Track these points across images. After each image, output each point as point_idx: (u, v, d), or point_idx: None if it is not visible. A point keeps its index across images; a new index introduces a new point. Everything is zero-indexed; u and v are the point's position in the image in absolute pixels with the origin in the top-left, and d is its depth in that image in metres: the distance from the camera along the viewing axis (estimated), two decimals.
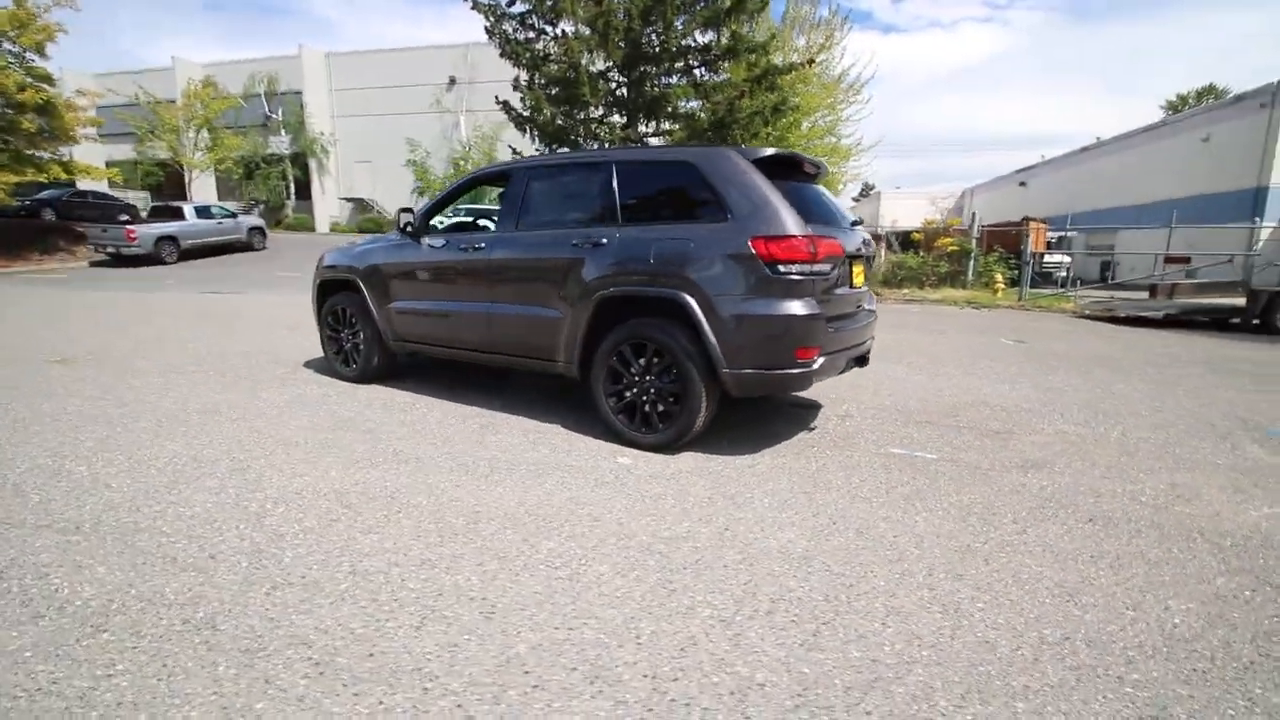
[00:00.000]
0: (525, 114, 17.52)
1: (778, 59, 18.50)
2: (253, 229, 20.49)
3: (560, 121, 16.90)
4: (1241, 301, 10.14)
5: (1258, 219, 17.61)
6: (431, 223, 4.65)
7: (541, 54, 17.00)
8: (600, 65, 16.81)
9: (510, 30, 17.05)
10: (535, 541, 2.46)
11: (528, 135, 17.76)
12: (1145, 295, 12.47)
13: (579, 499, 2.88)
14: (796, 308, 3.14)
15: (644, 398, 3.51)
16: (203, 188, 29.16)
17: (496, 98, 17.72)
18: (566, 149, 17.92)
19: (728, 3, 15.90)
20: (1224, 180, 19.05)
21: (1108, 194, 24.90)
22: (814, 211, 3.43)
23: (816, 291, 3.22)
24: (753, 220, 3.16)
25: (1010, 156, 57.57)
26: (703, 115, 15.65)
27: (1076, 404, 4.92)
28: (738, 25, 16.74)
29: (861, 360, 3.83)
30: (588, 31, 15.08)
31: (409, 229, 4.44)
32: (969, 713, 1.62)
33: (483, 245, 4.06)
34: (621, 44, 15.61)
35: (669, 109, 17.71)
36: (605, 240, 3.53)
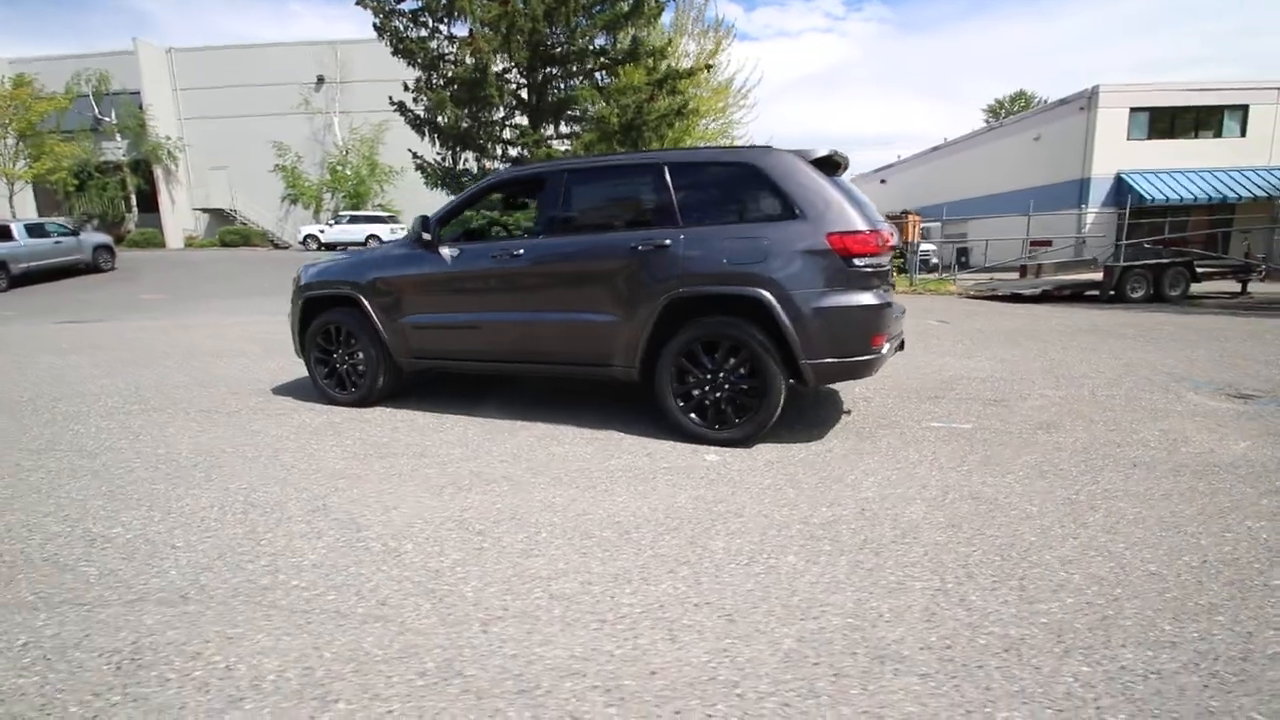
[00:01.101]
0: (423, 115, 16.74)
1: (675, 64, 19.04)
2: (99, 248, 17.79)
3: (465, 124, 16.31)
4: (1098, 276, 11.95)
5: (1084, 205, 20.74)
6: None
7: (437, 53, 16.30)
8: (501, 66, 16.40)
9: (402, 27, 16.19)
10: (702, 542, 2.45)
11: (426, 137, 16.98)
12: (1016, 275, 14.30)
13: (702, 497, 2.88)
14: (869, 298, 3.34)
15: (717, 394, 3.55)
16: (19, 203, 24.81)
17: (390, 99, 16.78)
18: (471, 152, 17.33)
19: (626, 7, 16.15)
20: (1056, 173, 22.25)
21: (959, 187, 28.16)
22: (856, 204, 3.65)
23: (882, 282, 3.44)
24: (827, 217, 3.31)
25: (862, 155, 62.97)
26: (614, 118, 15.76)
27: (1036, 371, 5.60)
28: (637, 29, 17.05)
29: (901, 344, 4.12)
30: (488, 31, 14.66)
31: (425, 239, 4.15)
32: (1193, 630, 1.86)
33: (521, 252, 3.89)
34: (525, 45, 15.35)
35: (574, 111, 17.68)
36: (669, 242, 3.53)
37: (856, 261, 3.28)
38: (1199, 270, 11.77)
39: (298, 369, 6.11)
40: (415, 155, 16.81)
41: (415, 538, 2.50)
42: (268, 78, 27.86)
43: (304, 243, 25.56)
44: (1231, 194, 20.28)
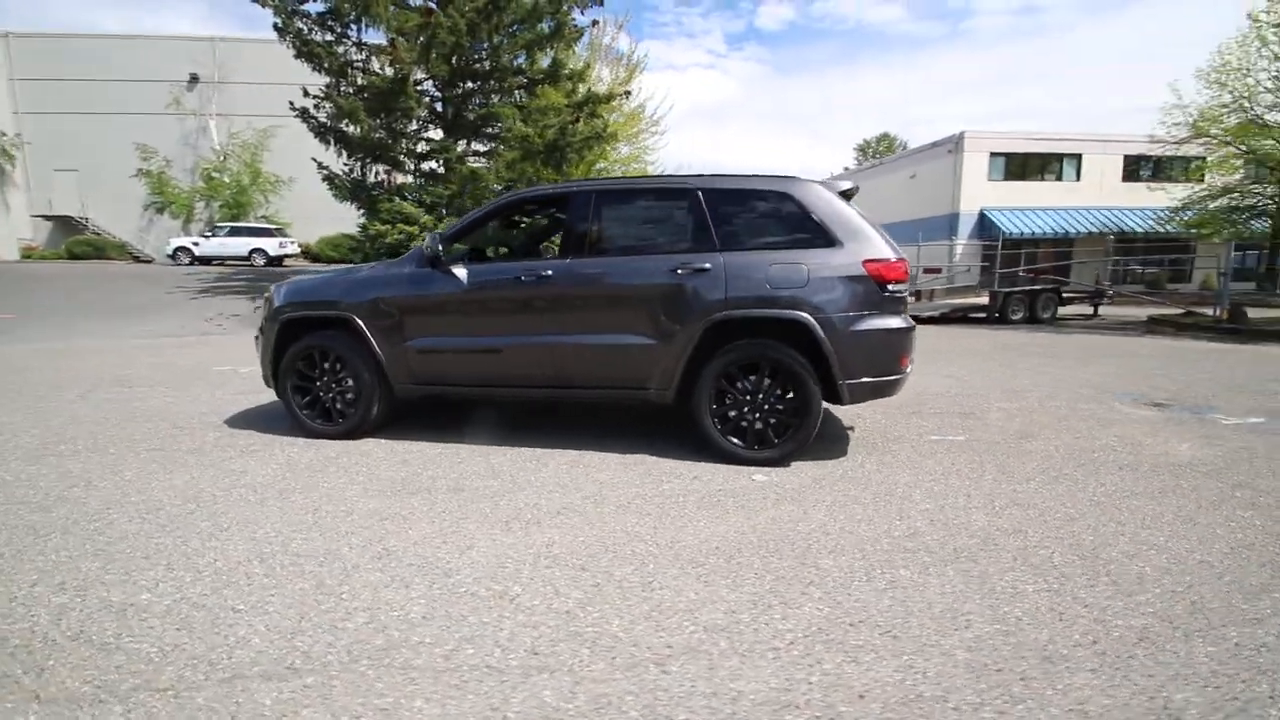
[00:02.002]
0: (328, 123, 15.75)
1: (591, 88, 19.27)
2: None
3: (378, 135, 15.53)
4: (984, 300, 13.43)
5: (954, 236, 23.24)
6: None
7: (345, 59, 15.45)
8: (417, 77, 15.82)
9: (305, 29, 15.21)
10: (812, 561, 2.48)
11: (331, 147, 15.97)
12: (913, 300, 15.75)
13: (779, 518, 2.91)
14: (900, 321, 3.57)
15: (755, 415, 3.62)
16: None
17: (291, 104, 15.66)
18: (385, 165, 16.50)
19: (547, 29, 16.21)
20: (931, 207, 24.80)
21: None
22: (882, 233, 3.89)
23: (906, 306, 3.69)
24: (862, 245, 3.51)
25: None
26: (538, 138, 15.66)
27: (984, 387, 6.19)
28: (557, 52, 17.13)
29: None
30: (407, 41, 14.13)
31: (434, 258, 3.90)
32: (1265, 606, 2.14)
33: (549, 273, 3.77)
34: (445, 59, 14.94)
35: (492, 130, 17.37)
36: (709, 266, 3.58)
37: (890, 287, 3.50)
38: (1065, 295, 13.58)
39: (240, 398, 5.49)
40: (321, 165, 15.73)
41: (517, 579, 2.33)
42: (130, 72, 24.98)
43: (173, 256, 22.96)
44: (1071, 229, 23.62)
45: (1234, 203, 18.28)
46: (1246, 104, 17.31)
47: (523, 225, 5.02)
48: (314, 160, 15.87)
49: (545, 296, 3.77)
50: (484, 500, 3.12)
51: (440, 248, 3.85)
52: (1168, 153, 19.14)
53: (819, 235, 3.56)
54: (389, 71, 14.67)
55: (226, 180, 25.53)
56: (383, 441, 4.15)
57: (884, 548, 2.60)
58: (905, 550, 2.58)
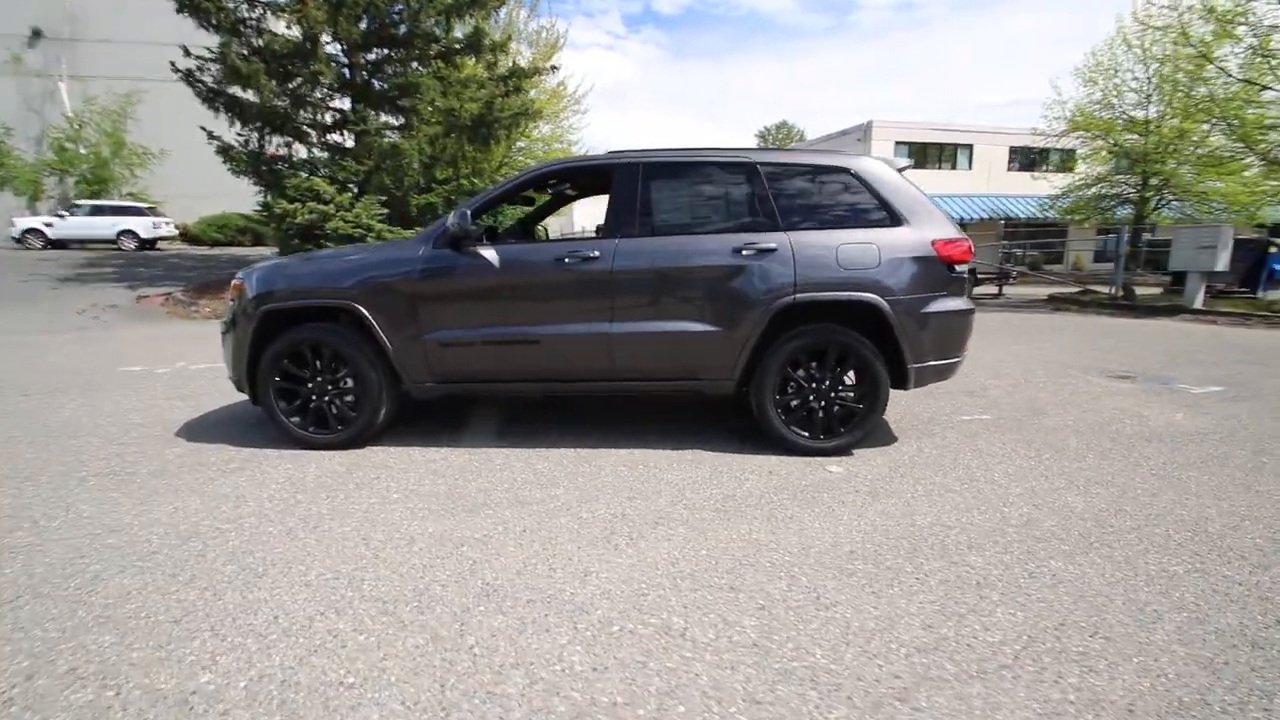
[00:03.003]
0: (217, 88, 13.95)
1: (513, 62, 18.32)
2: None
3: (280, 102, 13.94)
4: None
5: None
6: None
7: (238, 16, 13.69)
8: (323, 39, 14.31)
9: None
10: (959, 558, 2.33)
11: (221, 114, 14.17)
12: None
13: (888, 512, 2.75)
14: (964, 303, 3.50)
15: (821, 404, 3.45)
16: None
17: (174, 65, 13.70)
18: (286, 137, 14.85)
19: None
20: None
21: None
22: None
23: (968, 287, 3.63)
24: (929, 225, 3.40)
25: None
26: (464, 111, 14.66)
27: (976, 365, 6.40)
28: (478, 20, 16.10)
29: None
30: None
31: (460, 236, 3.39)
32: None
33: (596, 254, 3.37)
34: (361, 22, 13.60)
35: (409, 102, 16.12)
36: (775, 246, 3.34)
37: (957, 268, 3.43)
38: (979, 276, 14.56)
39: (177, 404, 4.66)
40: (212, 135, 13.89)
41: (669, 608, 2.01)
42: None
43: (21, 239, 19.66)
44: (967, 215, 25.49)
45: (1103, 191, 20.43)
46: (1115, 101, 19.29)
47: (559, 195, 4.50)
48: (203, 129, 13.96)
49: (592, 280, 3.38)
50: (560, 514, 2.73)
51: (472, 225, 3.34)
52: (1049, 144, 21.03)
53: (885, 214, 3.41)
54: (292, 31, 13.13)
55: (83, 152, 22.08)
56: (392, 450, 3.61)
57: (1016, 539, 2.51)
58: (1037, 539, 2.50)
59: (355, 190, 14.58)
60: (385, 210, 14.03)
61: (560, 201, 4.76)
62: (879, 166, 3.49)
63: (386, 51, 15.05)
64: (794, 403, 3.47)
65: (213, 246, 24.69)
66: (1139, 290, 13.95)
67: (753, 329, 3.34)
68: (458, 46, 15.48)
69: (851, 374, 3.45)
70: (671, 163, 3.52)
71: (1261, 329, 9.60)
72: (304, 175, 14.23)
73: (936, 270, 3.38)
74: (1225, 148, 16.23)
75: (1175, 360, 6.67)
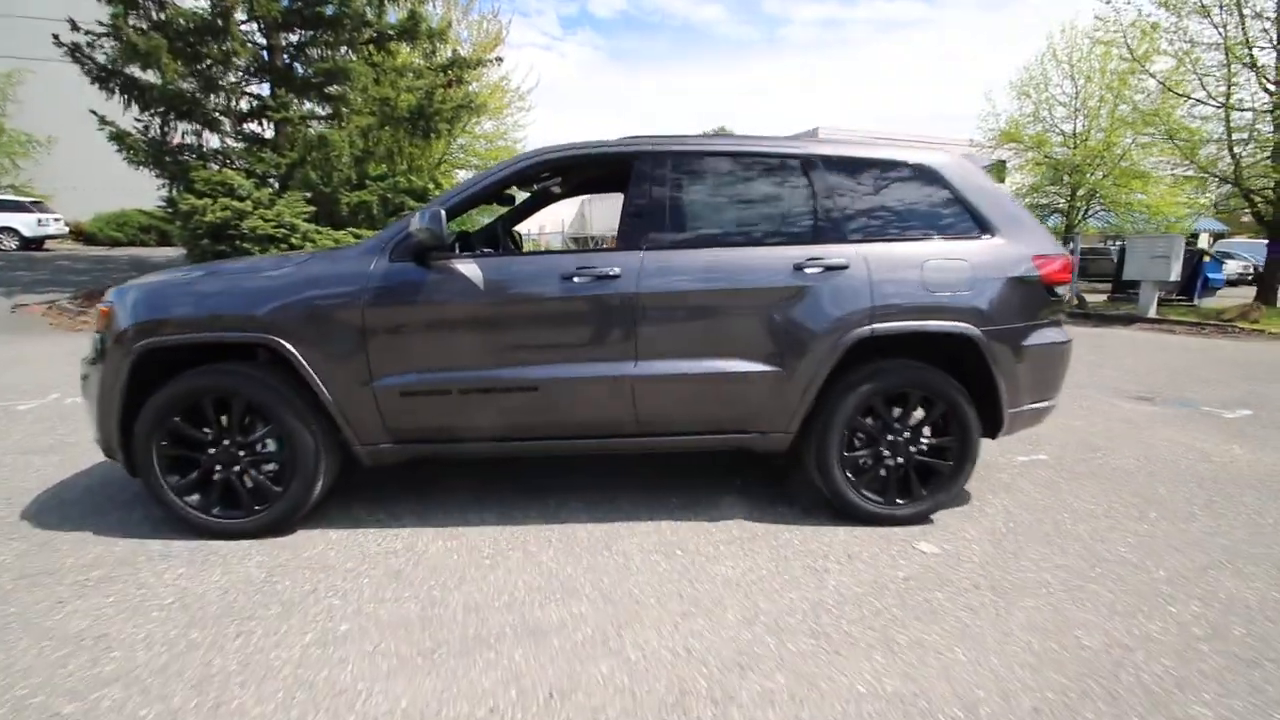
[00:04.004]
0: (111, 66, 12.18)
1: (459, 51, 17.12)
2: None
3: (186, 85, 12.31)
4: None
5: None
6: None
7: None
8: (238, 17, 12.77)
9: None
10: (1179, 708, 1.65)
11: (116, 96, 12.41)
12: None
13: (1039, 626, 2.05)
14: (1064, 333, 2.87)
15: (898, 460, 2.75)
16: None
17: (57, 38, 11.83)
18: (195, 124, 13.17)
19: None
20: None
21: None
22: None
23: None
24: (1025, 236, 2.75)
25: None
26: (401, 102, 13.42)
27: None
28: (414, 3, 14.85)
29: None
30: None
31: (427, 247, 2.47)
32: None
33: (614, 273, 2.53)
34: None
35: (337, 89, 14.68)
36: (845, 262, 2.60)
37: (1057, 290, 2.79)
38: None
39: (38, 461, 3.51)
40: (105, 121, 12.09)
41: None
42: None
43: None
44: None
45: (1035, 201, 21.14)
46: (1045, 114, 19.99)
47: (542, 193, 3.61)
48: (93, 113, 12.14)
49: (610, 306, 2.55)
50: (596, 653, 1.88)
51: (445, 231, 2.42)
52: (983, 154, 21.58)
53: (972, 222, 2.74)
54: (200, 4, 11.58)
55: None
56: (333, 534, 2.65)
57: (1220, 662, 1.86)
58: (1242, 660, 1.86)
59: (276, 186, 13.09)
60: (311, 208, 12.60)
61: (542, 202, 3.88)
62: (963, 164, 2.82)
63: (312, 33, 13.59)
64: (863, 459, 2.75)
65: (112, 247, 21.99)
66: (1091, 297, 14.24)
67: (819, 368, 2.59)
68: (392, 32, 14.18)
69: (923, 420, 2.77)
70: (710, 152, 2.72)
71: (1223, 339, 9.72)
72: (215, 168, 12.64)
73: (1036, 293, 2.74)
74: (1160, 160, 16.97)
75: (1176, 377, 6.40)
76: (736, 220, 2.72)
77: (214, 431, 2.57)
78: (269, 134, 13.81)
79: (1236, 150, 13.31)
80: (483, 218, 11.72)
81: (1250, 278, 21.13)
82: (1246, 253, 24.79)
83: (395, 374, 2.53)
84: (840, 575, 2.35)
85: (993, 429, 2.79)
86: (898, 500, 2.76)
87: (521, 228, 4.51)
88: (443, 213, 2.41)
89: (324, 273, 2.57)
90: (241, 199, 11.98)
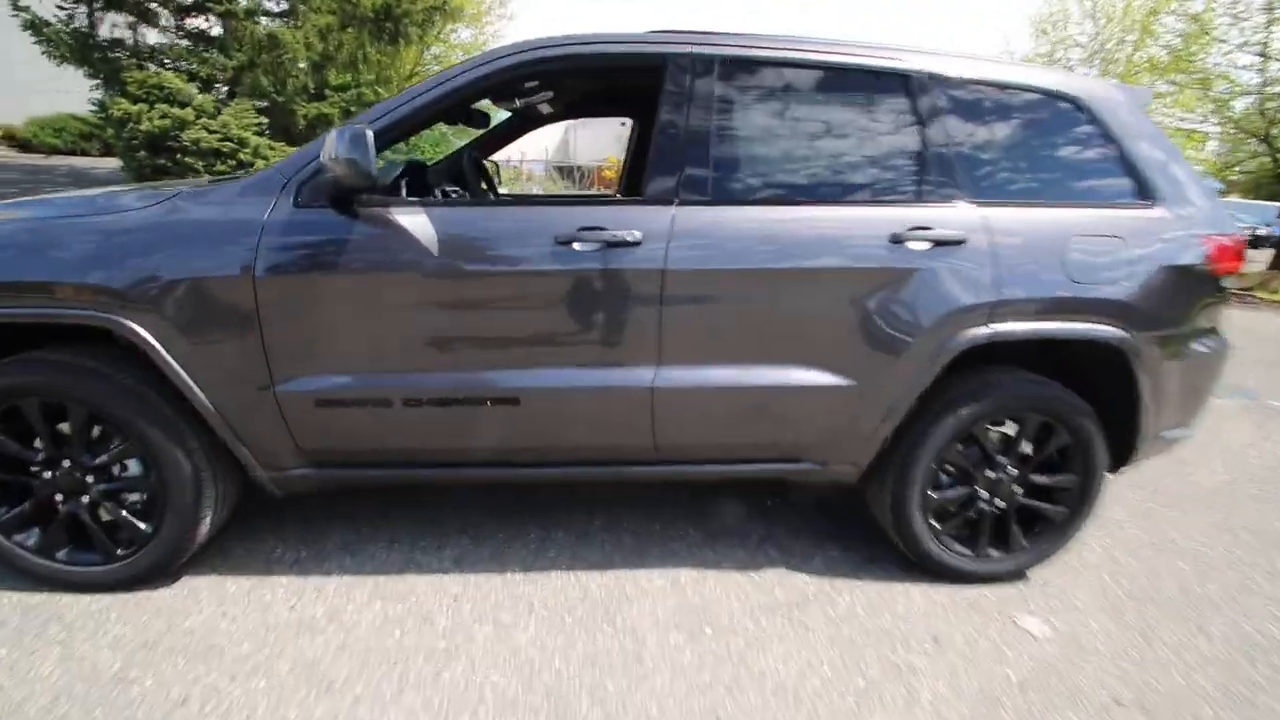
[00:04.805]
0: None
1: None
2: None
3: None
4: None
5: None
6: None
7: None
8: None
9: None
10: None
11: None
12: None
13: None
14: (1223, 341, 2.15)
15: (998, 502, 2.06)
16: None
17: None
18: (128, 15, 11.48)
19: None
20: None
21: None
22: None
23: None
24: (1195, 207, 1.97)
25: None
26: (364, 0, 11.81)
27: None
28: None
29: None
30: None
31: (346, 185, 1.63)
32: None
33: (635, 237, 1.73)
34: None
35: None
36: (962, 236, 1.82)
37: (1225, 283, 2.06)
38: None
39: None
40: (19, 6, 10.36)
41: None
42: None
43: None
44: None
45: None
46: (1062, 55, 18.74)
47: (527, 112, 2.74)
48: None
49: (626, 286, 1.75)
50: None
51: (373, 161, 1.57)
52: None
53: (1130, 180, 1.96)
54: None
55: None
56: (230, 583, 1.92)
57: None
58: None
59: (225, 92, 11.61)
60: (263, 120, 11.22)
61: (526, 125, 2.99)
62: (1122, 102, 2.00)
63: None
64: (954, 501, 2.07)
65: (49, 155, 19.92)
66: None
67: (912, 381, 1.86)
68: None
69: (1035, 451, 2.08)
70: (775, 60, 1.86)
71: (1241, 310, 9.19)
72: (153, 69, 11.10)
73: (1202, 286, 2.00)
74: (1168, 114, 16.02)
75: None
76: (809, 166, 1.90)
77: (46, 447, 1.77)
78: (216, 31, 12.16)
79: (1270, 105, 12.45)
80: (458, 140, 10.50)
81: (1252, 241, 20.70)
82: (1245, 214, 24.25)
83: (306, 375, 1.74)
84: (933, 679, 1.70)
85: (1117, 461, 2.12)
86: (990, 552, 2.11)
87: (499, 156, 3.62)
88: (369, 135, 1.54)
89: (196, 218, 1.71)
90: (182, 106, 10.56)
